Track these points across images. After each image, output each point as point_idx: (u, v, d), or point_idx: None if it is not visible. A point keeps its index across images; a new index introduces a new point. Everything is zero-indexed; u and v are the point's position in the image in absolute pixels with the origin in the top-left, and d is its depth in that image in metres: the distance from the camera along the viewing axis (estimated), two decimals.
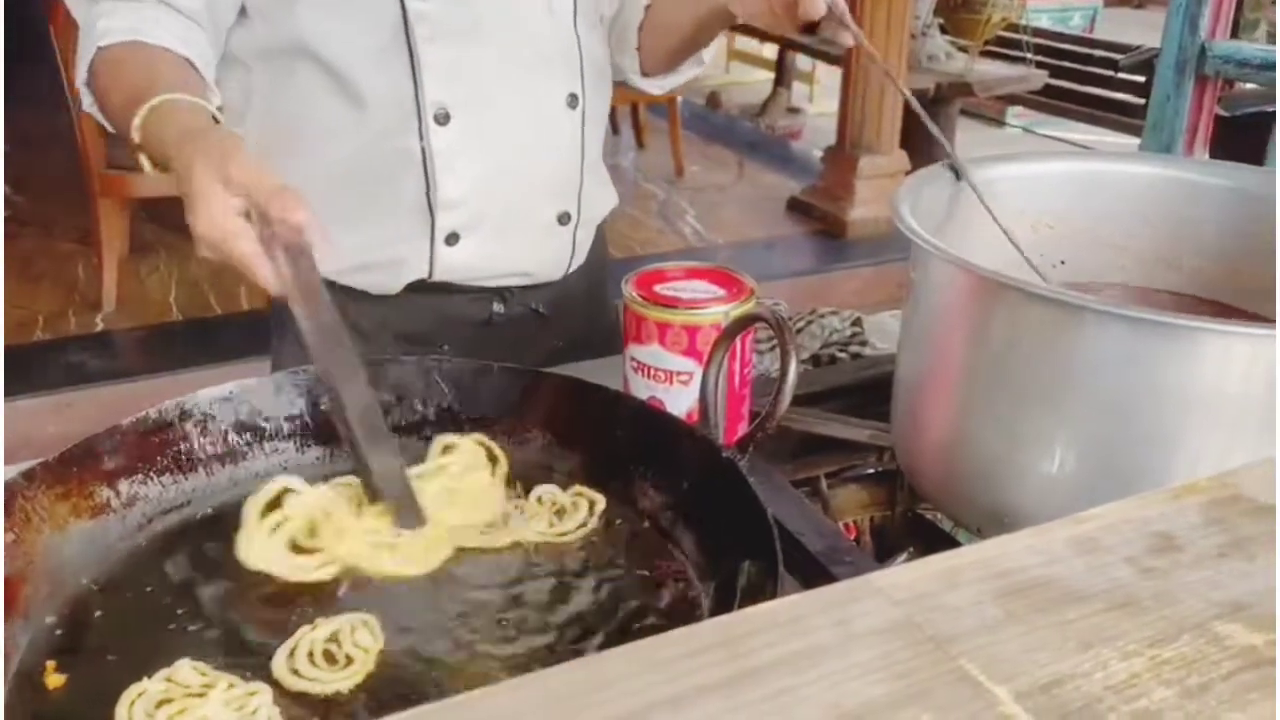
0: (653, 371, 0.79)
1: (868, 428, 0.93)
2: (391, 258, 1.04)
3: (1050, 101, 5.12)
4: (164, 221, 3.38)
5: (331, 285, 1.04)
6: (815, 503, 1.03)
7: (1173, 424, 0.65)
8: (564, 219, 1.10)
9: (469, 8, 0.99)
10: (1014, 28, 4.38)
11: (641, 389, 0.80)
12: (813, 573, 0.75)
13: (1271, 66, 1.10)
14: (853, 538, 1.02)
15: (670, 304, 0.78)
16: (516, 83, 1.02)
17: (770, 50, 6.01)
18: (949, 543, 0.86)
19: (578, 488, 0.74)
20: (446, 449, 0.76)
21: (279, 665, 0.60)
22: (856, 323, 1.14)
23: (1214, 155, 1.70)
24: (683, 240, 3.52)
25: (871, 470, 0.98)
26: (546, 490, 0.74)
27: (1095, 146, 4.79)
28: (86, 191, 2.96)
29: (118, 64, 0.91)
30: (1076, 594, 0.34)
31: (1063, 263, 0.92)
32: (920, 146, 3.65)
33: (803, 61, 5.90)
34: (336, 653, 0.60)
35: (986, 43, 4.32)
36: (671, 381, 0.79)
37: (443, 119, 0.99)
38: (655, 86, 1.19)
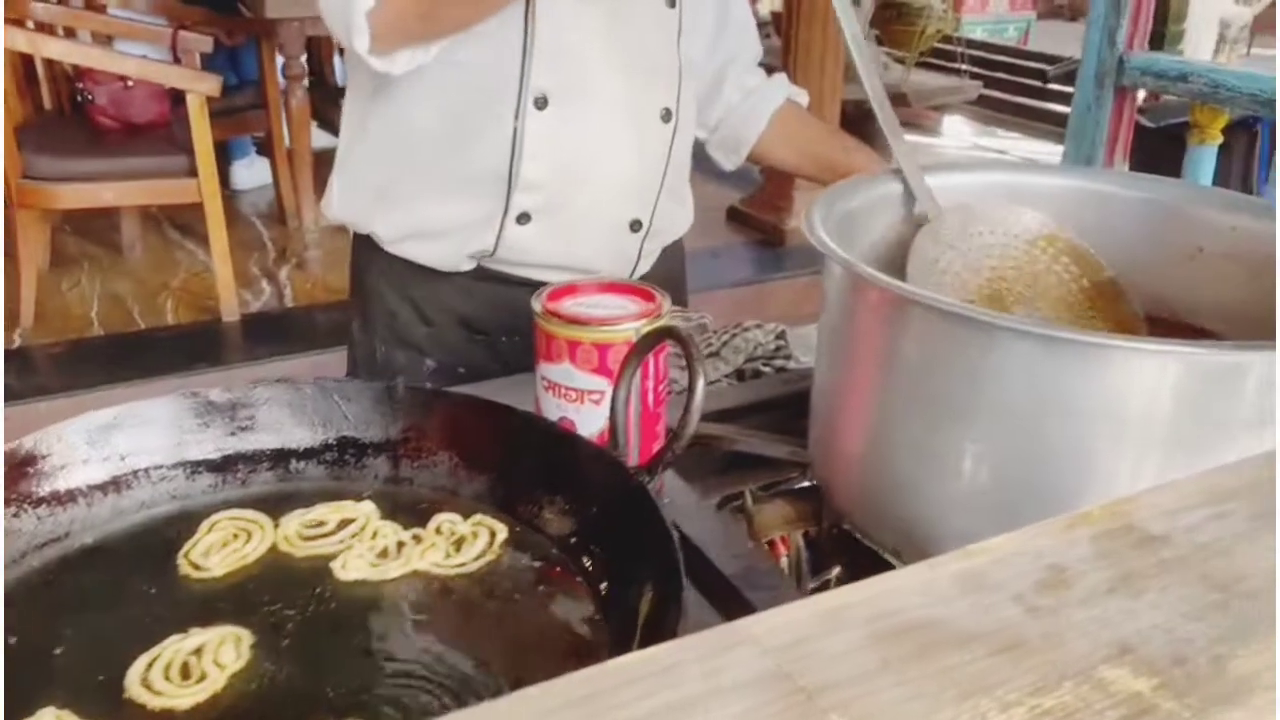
0: (564, 391, 0.77)
1: (788, 444, 0.91)
2: (460, 225, 1.06)
3: (986, 112, 5.20)
4: (87, 234, 3.28)
5: (399, 261, 1.10)
6: (740, 519, 1.02)
7: (1084, 442, 0.64)
8: (635, 226, 1.11)
9: (589, 3, 1.01)
10: (948, 39, 4.44)
11: (553, 409, 0.78)
12: (726, 597, 0.73)
13: (1186, 78, 1.11)
14: (786, 552, 1.01)
15: (580, 321, 0.75)
16: (617, 84, 1.04)
17: None
18: (875, 559, 0.85)
19: (479, 517, 0.71)
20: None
21: (133, 676, 0.57)
22: (781, 336, 1.13)
23: (1135, 166, 1.71)
24: None
25: (798, 485, 0.96)
26: (447, 519, 0.71)
27: (1030, 156, 4.87)
28: (4, 202, 2.86)
29: None
30: (960, 637, 0.32)
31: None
32: None
33: None
34: (194, 667, 0.58)
35: (922, 54, 4.37)
36: (583, 401, 0.76)
37: (541, 104, 1.00)
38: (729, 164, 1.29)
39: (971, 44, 5.04)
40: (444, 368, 1.09)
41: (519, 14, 0.99)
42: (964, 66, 4.39)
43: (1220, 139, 1.14)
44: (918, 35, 4.05)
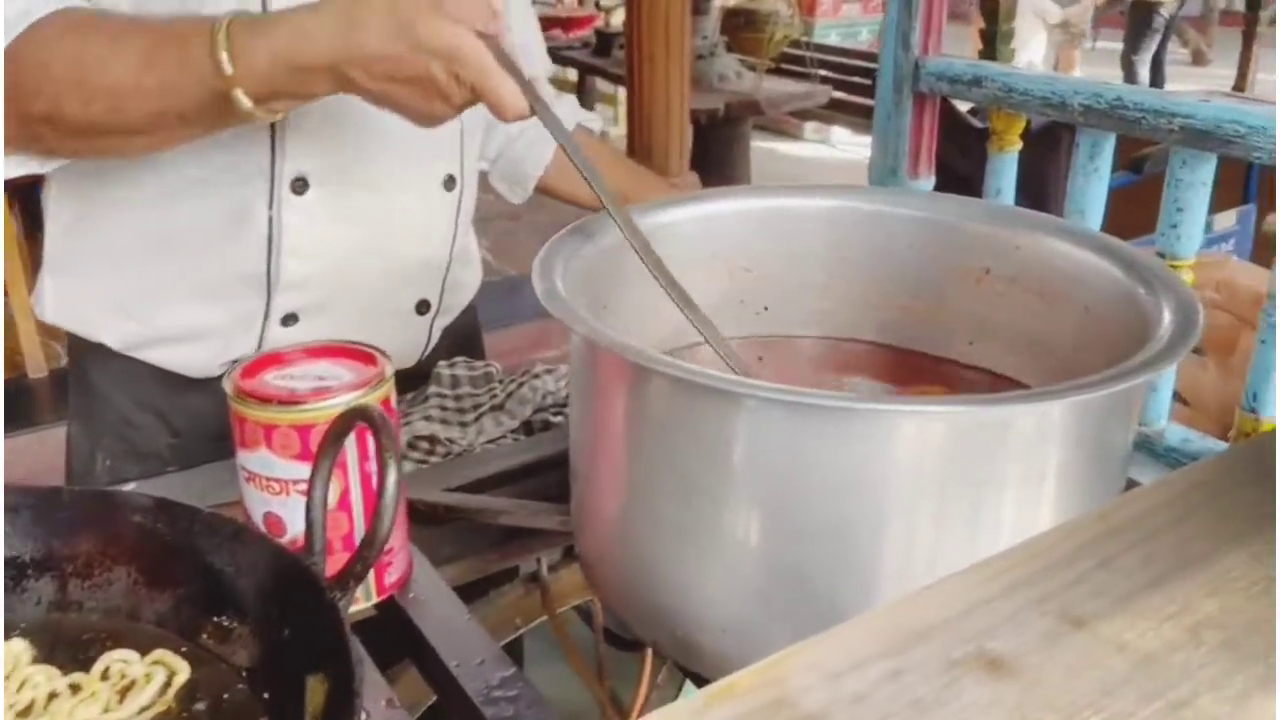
0: (265, 482, 0.65)
1: (560, 511, 0.81)
2: (213, 332, 0.90)
3: (841, 116, 5.23)
4: None
5: (139, 365, 0.92)
6: (534, 589, 0.92)
7: (845, 516, 0.55)
8: (422, 308, 0.98)
9: None
10: (797, 44, 4.44)
11: (256, 503, 0.66)
12: (467, 714, 0.63)
13: (980, 82, 1.05)
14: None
15: (274, 399, 0.64)
16: (390, 157, 0.89)
17: (571, 73, 5.94)
18: None
19: (159, 653, 0.59)
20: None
21: None
22: None
23: (961, 171, 1.68)
24: None
25: None
26: (119, 659, 0.59)
27: None
28: None
29: (78, 32, 0.73)
30: None
31: (766, 309, 0.84)
32: (713, 168, 3.62)
33: (604, 85, 5.85)
34: None
35: (775, 60, 4.36)
36: (288, 493, 0.65)
37: (300, 188, 0.86)
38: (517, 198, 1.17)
39: (823, 48, 5.07)
40: None
41: None
42: (814, 71, 4.39)
43: (1019, 144, 1.09)
44: (766, 41, 4.03)
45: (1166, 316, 0.60)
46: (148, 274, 0.90)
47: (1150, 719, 0.28)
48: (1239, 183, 2.31)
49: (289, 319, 0.91)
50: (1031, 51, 4.68)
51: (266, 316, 0.90)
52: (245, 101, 0.71)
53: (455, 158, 0.96)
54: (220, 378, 0.91)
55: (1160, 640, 0.31)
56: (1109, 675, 0.29)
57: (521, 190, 1.16)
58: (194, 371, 0.93)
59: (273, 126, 0.84)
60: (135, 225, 0.89)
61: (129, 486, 0.81)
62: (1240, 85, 5.50)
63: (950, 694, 0.28)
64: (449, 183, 0.96)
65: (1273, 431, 0.83)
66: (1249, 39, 5.81)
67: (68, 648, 0.60)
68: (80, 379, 0.96)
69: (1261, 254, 1.86)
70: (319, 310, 0.91)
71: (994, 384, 0.75)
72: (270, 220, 0.86)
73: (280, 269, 0.88)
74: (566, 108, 1.17)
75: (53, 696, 0.57)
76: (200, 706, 0.56)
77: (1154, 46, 5.75)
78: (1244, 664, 0.30)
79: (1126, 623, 0.31)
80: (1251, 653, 0.30)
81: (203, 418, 0.94)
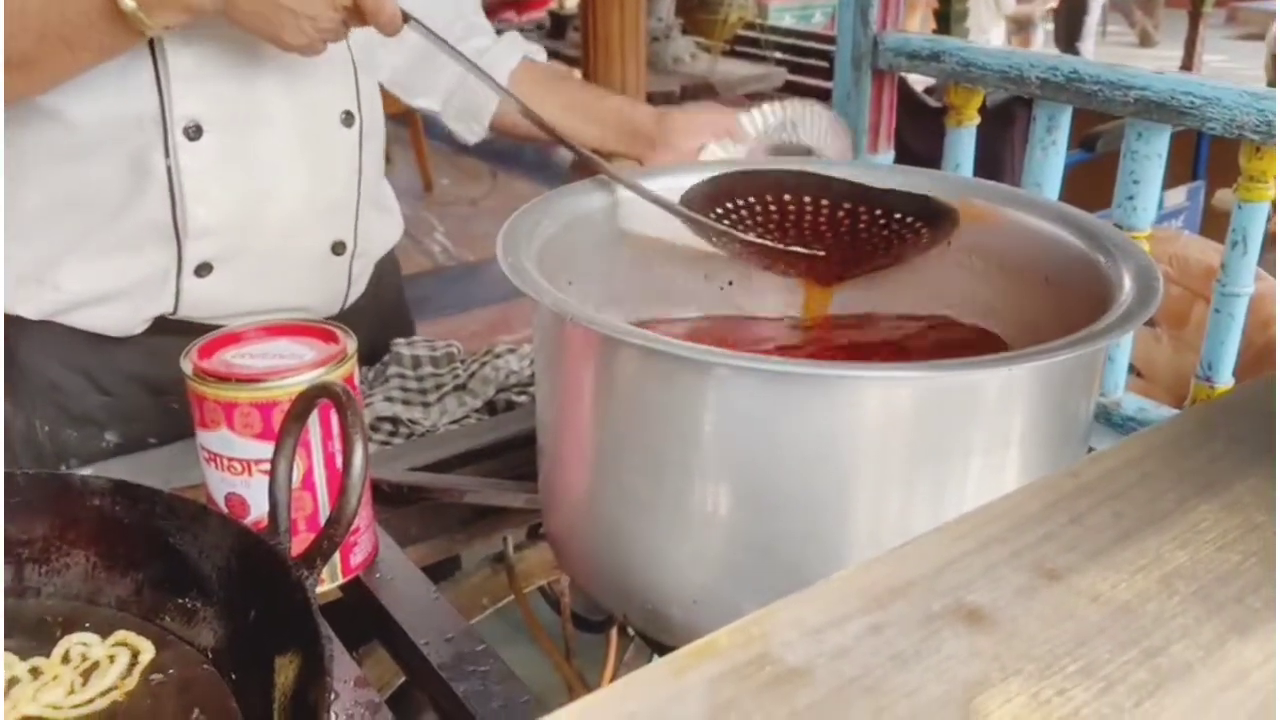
0: (226, 462, 0.64)
1: (526, 489, 0.81)
2: (128, 290, 0.89)
3: (796, 98, 5.24)
4: None
5: (59, 328, 0.90)
6: (499, 570, 0.91)
7: (814, 481, 0.55)
8: (338, 249, 0.96)
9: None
10: (752, 26, 4.45)
11: (217, 484, 0.65)
12: (436, 690, 0.62)
13: (939, 57, 1.06)
14: None
15: (233, 377, 0.62)
16: (282, 95, 0.88)
17: None
18: None
19: (121, 634, 0.58)
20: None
21: None
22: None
23: (918, 148, 1.69)
24: (430, 260, 3.33)
25: None
26: (78, 642, 0.57)
27: None
28: None
29: None
30: None
31: (730, 284, 0.84)
32: None
33: (558, 68, 5.81)
34: None
35: (730, 42, 4.36)
36: (250, 473, 0.64)
37: (193, 134, 0.85)
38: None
39: (777, 30, 5.07)
40: (129, 442, 0.93)
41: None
42: (769, 53, 4.39)
43: (977, 119, 1.10)
44: (720, 24, 4.03)
45: (1127, 283, 0.61)
46: (54, 239, 0.88)
47: (1125, 666, 0.28)
48: (1188, 160, 2.35)
49: (203, 269, 0.89)
50: (992, 38, 4.74)
51: (180, 269, 0.89)
52: (129, 1, 0.72)
53: (350, 94, 0.94)
54: (143, 335, 0.92)
55: (1133, 591, 0.31)
56: (1084, 625, 0.30)
57: (478, 126, 1.09)
58: (115, 331, 0.92)
59: (157, 74, 0.83)
60: (35, 192, 0.87)
61: (86, 471, 0.79)
62: (1187, 65, 5.58)
63: (930, 646, 0.29)
64: (347, 119, 0.94)
65: (1223, 395, 0.84)
66: (1195, 20, 5.90)
67: (26, 634, 0.59)
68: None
69: (1211, 229, 1.90)
70: (231, 258, 0.90)
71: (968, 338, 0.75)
72: (169, 169, 0.85)
73: (186, 217, 0.87)
74: (509, 40, 1.11)
75: (13, 682, 0.55)
76: (166, 688, 0.55)
77: (1090, 37, 5.82)
78: (1215, 612, 0.30)
79: (1100, 575, 0.32)
80: (1222, 601, 0.31)
81: (131, 374, 0.93)
